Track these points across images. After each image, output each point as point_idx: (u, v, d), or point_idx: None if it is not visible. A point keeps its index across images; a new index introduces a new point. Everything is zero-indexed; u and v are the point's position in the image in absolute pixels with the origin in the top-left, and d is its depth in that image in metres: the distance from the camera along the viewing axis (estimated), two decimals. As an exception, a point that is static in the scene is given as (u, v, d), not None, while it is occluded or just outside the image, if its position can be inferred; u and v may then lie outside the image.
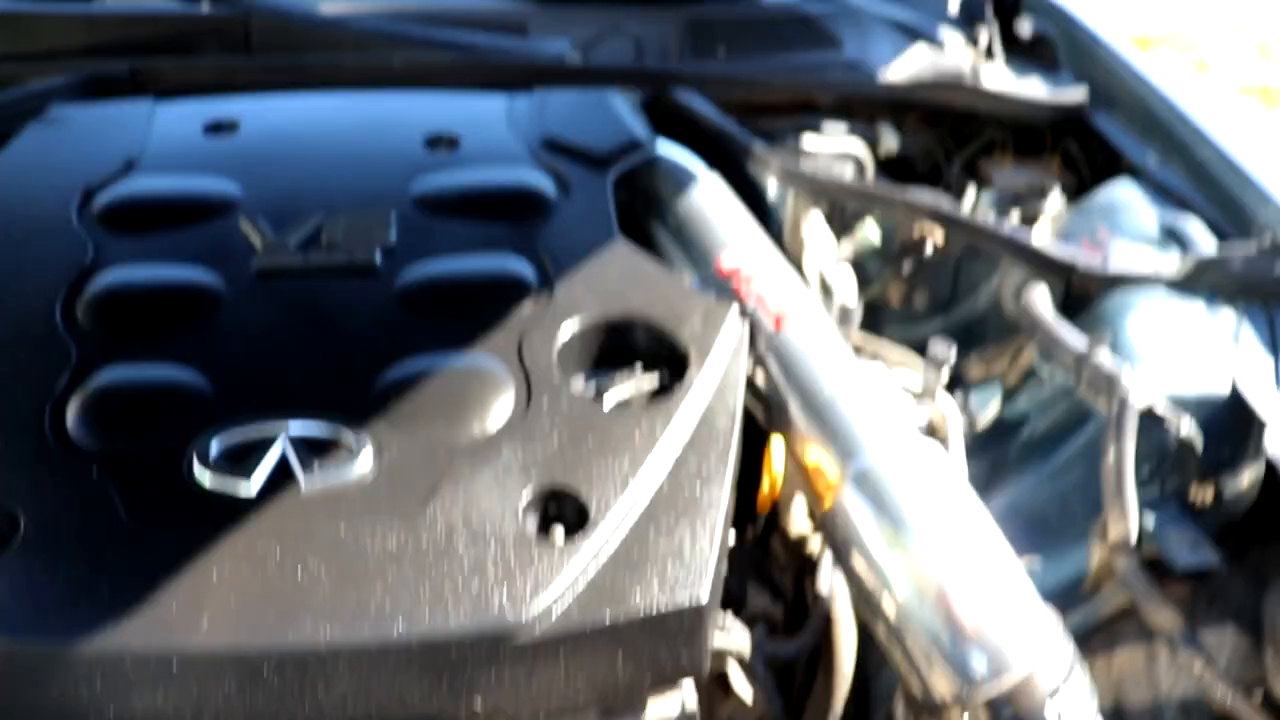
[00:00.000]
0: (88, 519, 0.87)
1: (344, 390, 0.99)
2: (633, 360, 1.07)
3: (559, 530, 0.88)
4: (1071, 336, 1.26)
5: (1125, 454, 1.11)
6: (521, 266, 1.15)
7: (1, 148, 1.38)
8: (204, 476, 0.90)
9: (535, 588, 0.83)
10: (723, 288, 1.20)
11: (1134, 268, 1.36)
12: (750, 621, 1.16)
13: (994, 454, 1.34)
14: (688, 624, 0.86)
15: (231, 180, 1.27)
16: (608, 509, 0.89)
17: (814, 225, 1.50)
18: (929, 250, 1.51)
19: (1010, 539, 1.15)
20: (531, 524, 0.89)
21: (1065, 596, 1.16)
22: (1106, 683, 1.14)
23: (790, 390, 1.11)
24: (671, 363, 1.06)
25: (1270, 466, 1.12)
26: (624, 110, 1.47)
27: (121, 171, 1.29)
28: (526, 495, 0.90)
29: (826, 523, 1.07)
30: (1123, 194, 1.57)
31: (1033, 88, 1.84)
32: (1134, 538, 1.09)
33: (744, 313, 1.13)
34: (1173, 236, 1.45)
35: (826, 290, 1.41)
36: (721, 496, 0.93)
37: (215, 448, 0.92)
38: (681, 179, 1.38)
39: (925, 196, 1.50)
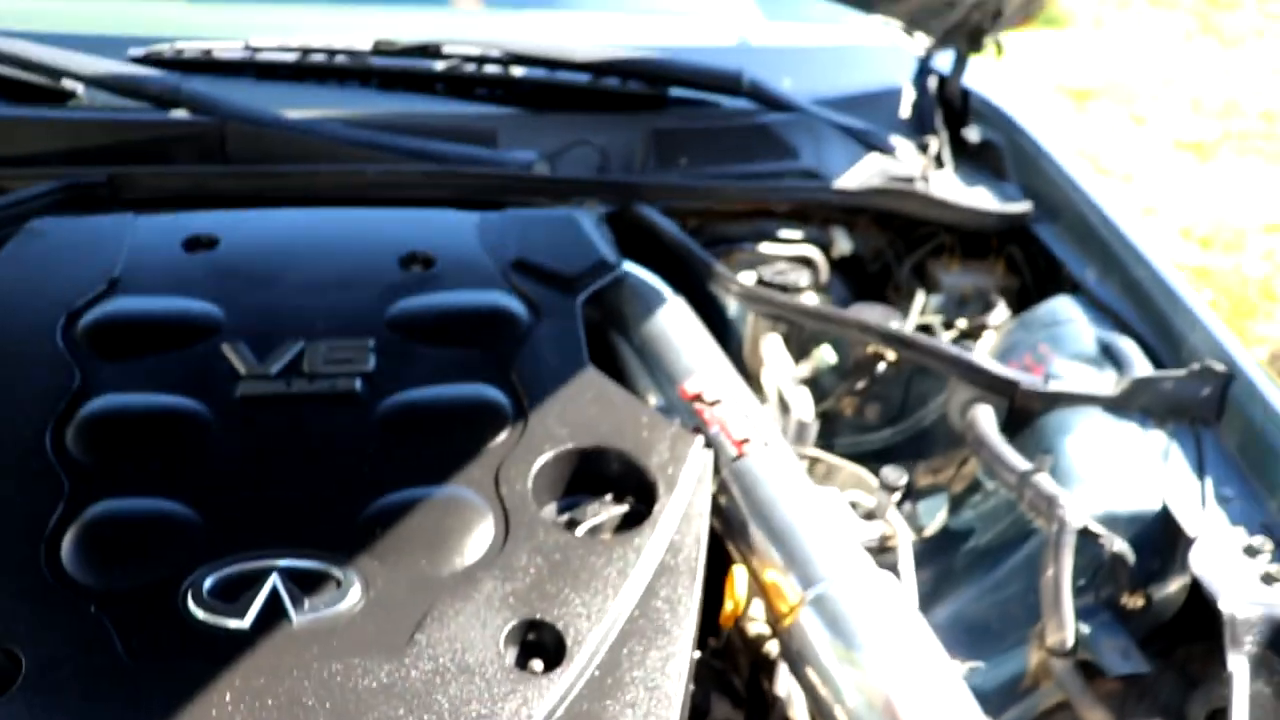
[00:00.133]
0: (88, 657, 0.90)
1: (329, 522, 1.03)
2: (602, 487, 1.13)
3: (538, 662, 0.94)
4: (1013, 458, 1.33)
5: (1063, 570, 1.18)
6: (496, 395, 1.19)
7: None
8: (199, 612, 0.94)
9: (518, 718, 0.88)
10: (687, 413, 1.27)
11: (1073, 388, 1.45)
12: None
13: (941, 563, 1.41)
14: None
15: (212, 302, 1.29)
16: (583, 639, 0.94)
17: (772, 345, 1.57)
18: (881, 367, 1.59)
19: (956, 643, 1.24)
20: (511, 655, 0.94)
21: (1006, 693, 1.24)
22: (1043, 770, 1.23)
23: (751, 514, 1.18)
24: (639, 490, 1.11)
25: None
26: (591, 230, 1.52)
27: (105, 291, 1.31)
28: (507, 628, 0.95)
29: (783, 636, 1.13)
30: (1063, 309, 1.65)
31: (979, 196, 1.93)
32: (1070, 645, 1.16)
33: (708, 441, 1.20)
34: (1109, 354, 1.53)
35: (785, 407, 1.48)
36: (689, 622, 0.99)
37: (209, 583, 0.96)
38: (647, 299, 1.45)
39: (877, 315, 1.58)
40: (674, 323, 1.42)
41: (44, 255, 1.39)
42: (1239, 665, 1.07)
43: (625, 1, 2.44)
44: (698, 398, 1.28)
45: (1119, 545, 1.22)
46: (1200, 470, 1.35)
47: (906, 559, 1.29)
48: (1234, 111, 7.07)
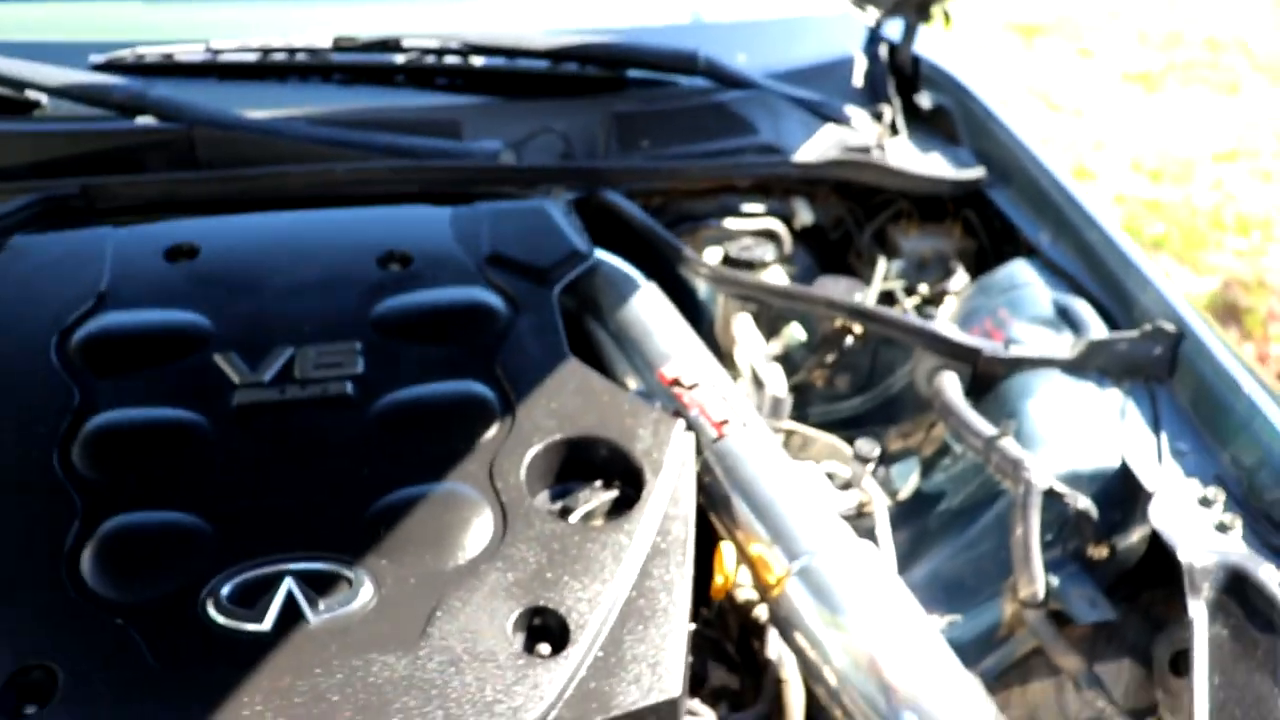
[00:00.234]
0: (119, 668, 0.94)
1: (335, 524, 1.08)
2: (591, 474, 1.18)
3: (545, 646, 0.99)
4: (979, 424, 1.39)
5: (1031, 529, 1.25)
6: (484, 391, 1.23)
7: None
8: (219, 618, 0.98)
9: (530, 700, 0.94)
10: (666, 397, 1.32)
11: (1032, 352, 1.51)
12: (713, 696, 1.29)
13: (917, 525, 1.48)
14: (663, 716, 0.97)
15: (199, 312, 1.32)
16: (585, 621, 1.00)
17: (743, 324, 1.62)
18: (849, 341, 1.65)
19: (934, 600, 1.31)
20: (519, 641, 0.99)
21: (983, 643, 1.31)
22: (1023, 711, 1.31)
23: (734, 492, 1.23)
24: (626, 475, 1.16)
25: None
26: (561, 220, 1.56)
27: (94, 307, 1.32)
28: (513, 615, 1.00)
29: (771, 605, 1.19)
30: (1020, 273, 1.72)
31: (934, 163, 1.98)
32: (1041, 596, 1.23)
33: (689, 424, 1.25)
34: (1065, 317, 1.60)
35: (759, 383, 1.53)
36: (683, 598, 1.04)
37: (226, 590, 1.00)
38: (620, 286, 1.49)
39: (843, 288, 1.63)
40: (648, 308, 1.46)
41: (29, 273, 1.40)
42: (1199, 610, 1.14)
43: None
44: (676, 382, 1.33)
45: (1083, 502, 1.29)
46: (1156, 426, 1.42)
47: (883, 524, 1.35)
48: (1178, 42, 7.19)
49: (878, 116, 2.06)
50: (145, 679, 0.94)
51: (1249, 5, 7.75)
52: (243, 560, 1.03)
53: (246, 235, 1.52)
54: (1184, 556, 1.18)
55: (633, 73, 1.99)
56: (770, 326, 1.64)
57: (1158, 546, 1.24)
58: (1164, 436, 1.41)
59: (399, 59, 1.91)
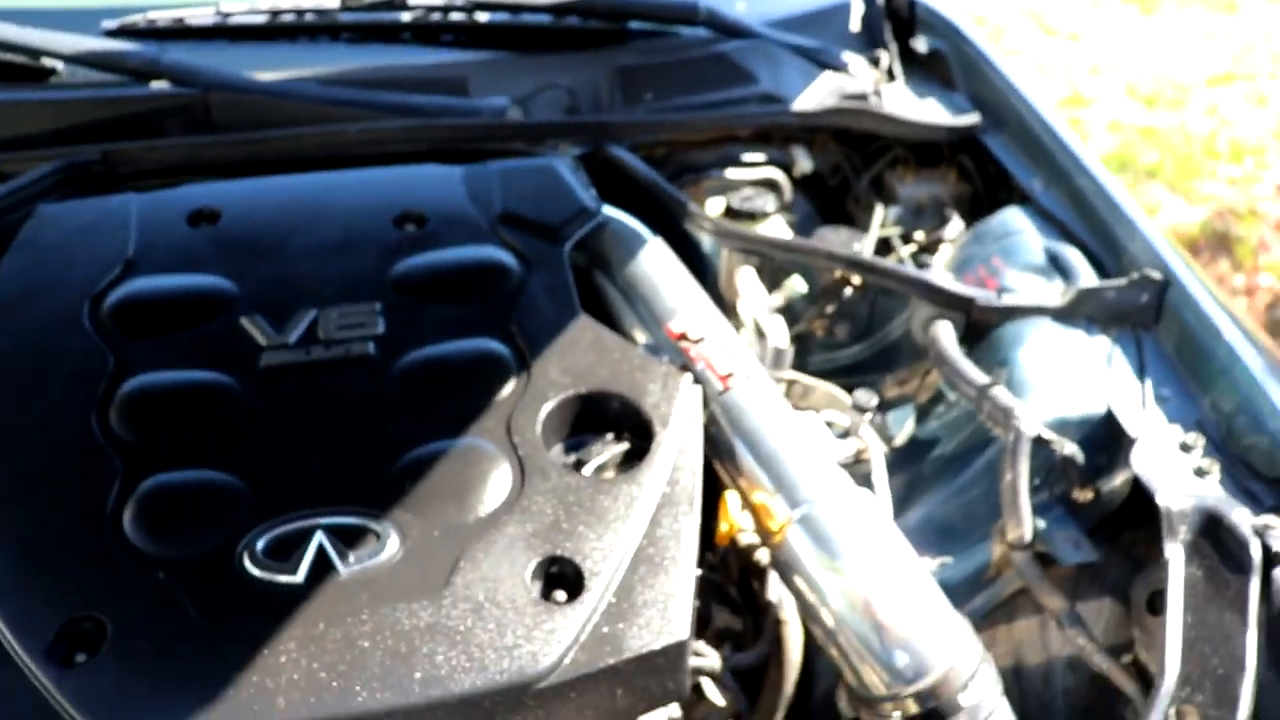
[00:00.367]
0: (163, 619, 1.01)
1: (360, 480, 1.14)
2: (603, 427, 1.24)
3: (561, 593, 1.06)
4: (972, 373, 1.45)
5: (1020, 475, 1.31)
6: (500, 348, 1.29)
7: None
8: (255, 571, 1.04)
9: (548, 644, 1.00)
10: (674, 351, 1.38)
11: (1024, 300, 1.57)
12: (717, 636, 1.36)
13: (911, 471, 1.54)
14: (672, 658, 1.04)
15: (224, 276, 1.37)
16: (599, 569, 1.06)
17: (746, 277, 1.67)
18: (848, 291, 1.70)
19: (926, 542, 1.38)
20: (537, 589, 1.05)
21: (972, 584, 1.38)
22: (1008, 647, 1.39)
23: (739, 443, 1.30)
24: (637, 428, 1.23)
25: None
26: (570, 177, 1.60)
27: (122, 273, 1.37)
28: (531, 564, 1.06)
29: (773, 550, 1.26)
30: (1013, 220, 1.77)
31: (930, 109, 2.02)
32: (1028, 539, 1.29)
33: (696, 378, 1.31)
34: (1057, 264, 1.65)
35: (761, 334, 1.59)
36: (690, 546, 1.11)
37: (261, 545, 1.06)
38: (628, 242, 1.54)
39: (842, 238, 1.68)
40: (655, 264, 1.51)
41: (58, 241, 1.44)
42: (1175, 552, 1.20)
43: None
44: (683, 336, 1.39)
45: (1069, 448, 1.35)
46: (1141, 372, 1.48)
47: (880, 471, 1.41)
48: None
49: (875, 62, 2.10)
50: (188, 629, 1.00)
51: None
52: (275, 516, 1.09)
53: (265, 199, 1.56)
54: (1162, 500, 1.24)
55: (635, 24, 2.02)
56: (772, 279, 1.70)
57: (1139, 490, 1.30)
58: (1149, 382, 1.46)
59: (405, 16, 1.94)
